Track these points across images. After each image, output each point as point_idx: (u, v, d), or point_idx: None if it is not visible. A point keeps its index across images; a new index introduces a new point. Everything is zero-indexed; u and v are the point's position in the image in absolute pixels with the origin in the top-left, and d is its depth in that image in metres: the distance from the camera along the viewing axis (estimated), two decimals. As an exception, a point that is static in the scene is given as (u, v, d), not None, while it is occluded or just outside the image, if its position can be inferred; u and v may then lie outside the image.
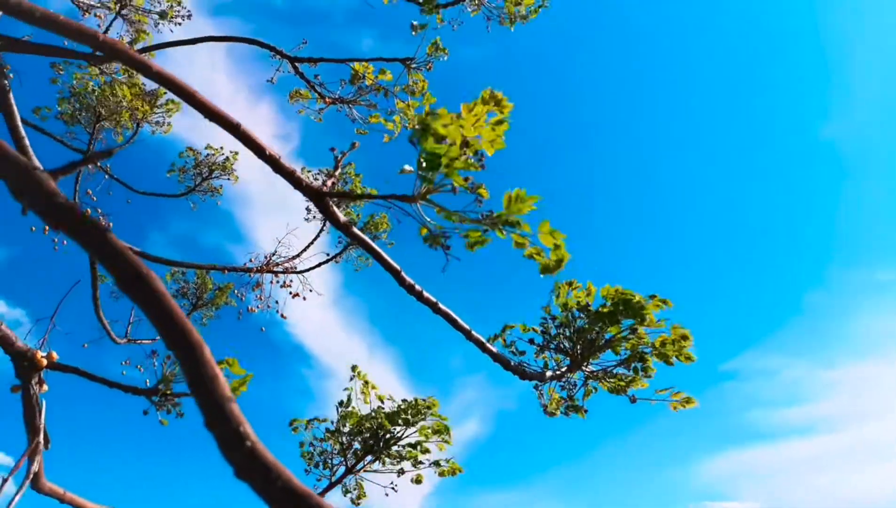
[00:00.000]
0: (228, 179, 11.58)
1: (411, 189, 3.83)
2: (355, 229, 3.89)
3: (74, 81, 9.53)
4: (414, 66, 7.18)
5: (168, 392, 3.89)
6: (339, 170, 4.21)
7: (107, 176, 10.83)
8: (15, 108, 6.86)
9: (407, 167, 3.37)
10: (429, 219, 3.66)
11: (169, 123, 10.79)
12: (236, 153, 11.33)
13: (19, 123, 6.94)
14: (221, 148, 11.46)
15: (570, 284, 4.15)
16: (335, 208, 3.76)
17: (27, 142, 7.21)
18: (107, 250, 1.61)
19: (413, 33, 7.20)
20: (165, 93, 10.48)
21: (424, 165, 3.24)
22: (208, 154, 11.44)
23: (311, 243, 10.75)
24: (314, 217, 10.97)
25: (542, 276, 2.46)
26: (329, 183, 3.91)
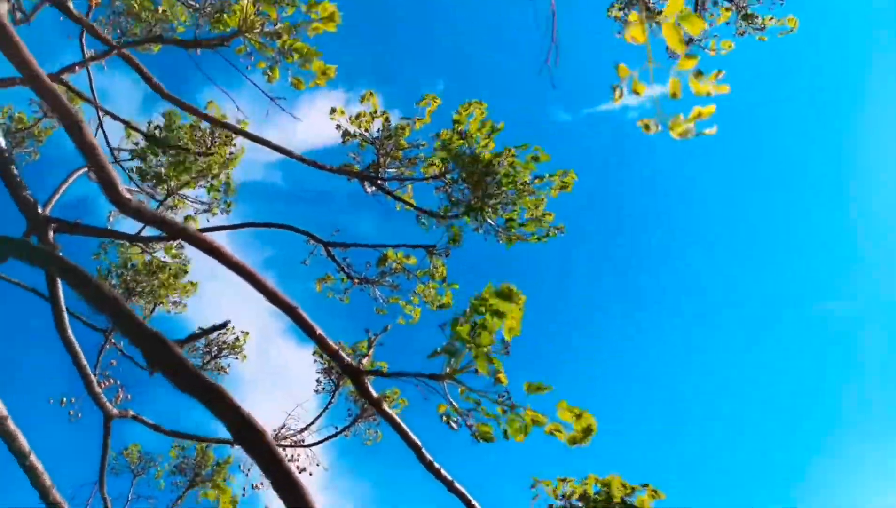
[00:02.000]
0: (237, 358, 11.87)
1: (433, 369, 4.29)
2: (385, 406, 4.27)
3: (119, 259, 10.39)
4: (435, 252, 7.97)
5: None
6: (373, 349, 4.68)
7: (120, 352, 11.39)
8: (60, 287, 7.44)
9: (439, 349, 3.85)
10: (452, 399, 4.07)
11: (185, 304, 11.40)
12: (247, 334, 11.72)
13: (62, 300, 7.49)
14: (233, 328, 11.84)
15: (563, 480, 4.45)
16: (369, 385, 4.17)
17: (65, 315, 7.73)
18: (224, 406, 2.02)
19: (437, 224, 8.07)
20: (186, 274, 11.28)
21: (455, 346, 3.73)
22: (219, 333, 11.75)
23: (321, 414, 10.89)
24: (323, 389, 11.23)
25: (570, 447, 2.78)
26: (365, 361, 4.36)
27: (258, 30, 4.29)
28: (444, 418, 4.11)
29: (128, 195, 3.42)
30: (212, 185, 9.90)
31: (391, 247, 8.31)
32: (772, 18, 8.13)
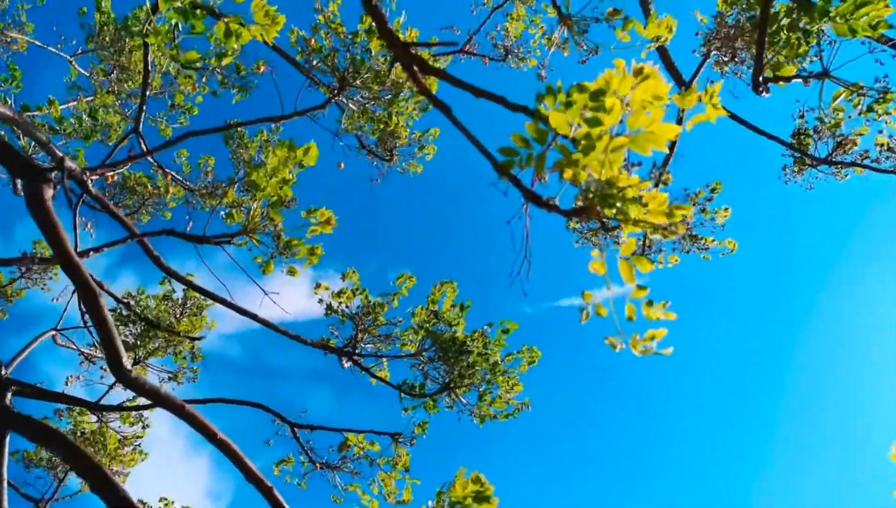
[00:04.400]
0: (175, 546, 11.19)
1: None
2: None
3: (70, 426, 10.07)
4: (401, 440, 7.99)
5: None
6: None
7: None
8: (6, 458, 7.06)
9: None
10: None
11: (127, 473, 10.93)
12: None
13: (5, 472, 7.14)
14: (173, 502, 11.36)
15: None
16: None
17: (5, 486, 7.35)
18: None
19: (403, 413, 8.22)
20: (135, 443, 10.97)
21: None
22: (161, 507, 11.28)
23: None
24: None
25: None
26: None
27: (261, 230, 4.80)
28: None
29: (128, 366, 3.63)
30: (179, 352, 9.97)
31: (357, 432, 8.31)
32: (713, 240, 9.21)
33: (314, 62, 7.03)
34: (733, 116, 8.18)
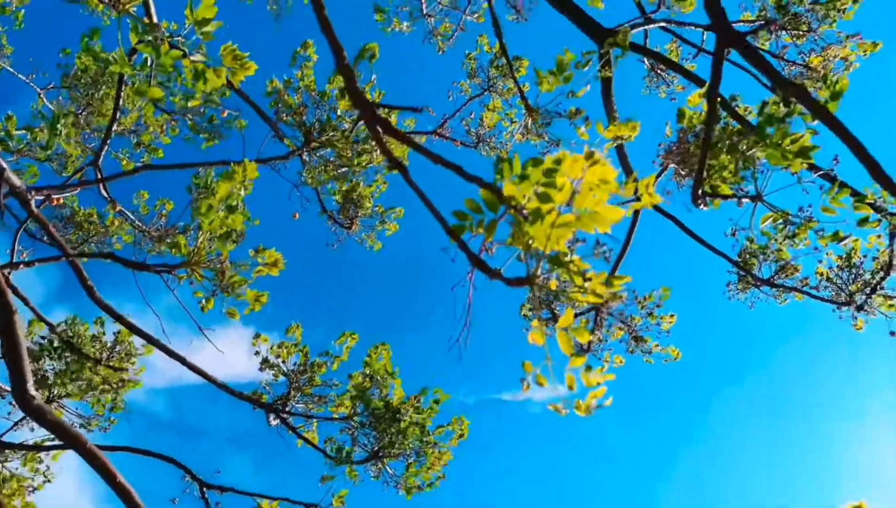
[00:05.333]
0: None
1: None
2: None
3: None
4: (320, 508, 7.60)
5: None
6: None
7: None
8: None
9: None
10: None
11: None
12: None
13: None
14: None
15: None
16: None
17: None
18: None
19: (321, 483, 7.85)
20: (26, 490, 10.20)
21: None
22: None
23: None
24: None
25: None
26: None
27: (205, 264, 4.68)
28: None
29: (33, 392, 3.38)
30: (98, 400, 9.40)
31: (270, 498, 7.88)
32: (657, 345, 9.39)
33: (283, 115, 7.13)
34: (685, 229, 8.44)
